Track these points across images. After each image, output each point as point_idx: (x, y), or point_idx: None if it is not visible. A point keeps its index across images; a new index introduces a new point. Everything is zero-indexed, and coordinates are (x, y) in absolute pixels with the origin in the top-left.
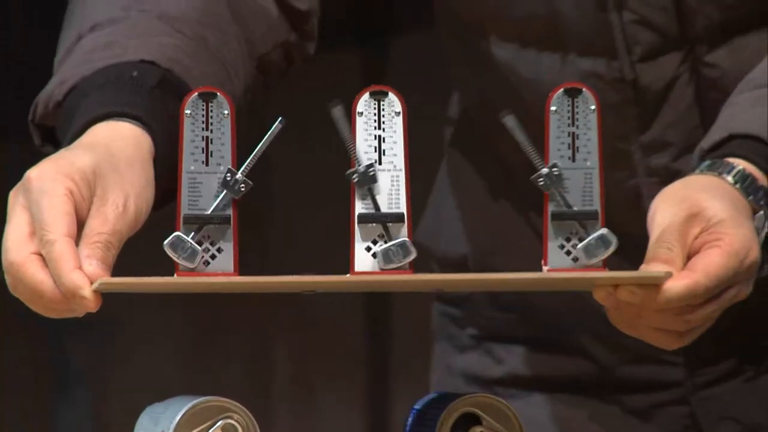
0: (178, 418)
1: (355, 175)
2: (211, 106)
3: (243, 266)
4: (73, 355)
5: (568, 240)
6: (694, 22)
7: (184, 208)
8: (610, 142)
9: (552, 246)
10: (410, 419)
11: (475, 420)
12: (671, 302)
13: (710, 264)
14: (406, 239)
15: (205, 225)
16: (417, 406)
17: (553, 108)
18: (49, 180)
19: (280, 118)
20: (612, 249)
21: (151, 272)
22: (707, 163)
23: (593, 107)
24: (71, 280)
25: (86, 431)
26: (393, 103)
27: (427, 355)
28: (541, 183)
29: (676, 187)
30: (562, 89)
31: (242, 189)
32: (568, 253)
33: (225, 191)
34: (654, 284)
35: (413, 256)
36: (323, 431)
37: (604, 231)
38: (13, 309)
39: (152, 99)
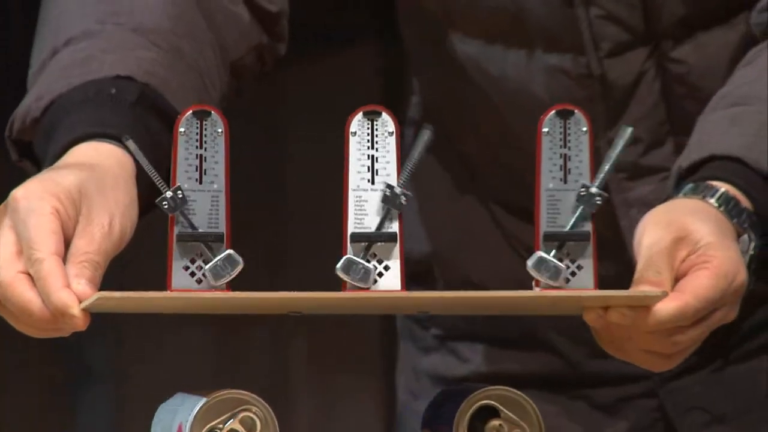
0: (196, 410)
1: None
2: (206, 125)
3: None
4: (93, 348)
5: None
6: (660, 18)
7: (178, 228)
8: None
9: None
10: (427, 412)
11: (493, 413)
12: (662, 324)
13: (699, 286)
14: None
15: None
16: (434, 399)
17: (545, 129)
18: (36, 199)
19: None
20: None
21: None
22: (690, 186)
23: (585, 129)
24: (60, 299)
25: (105, 423)
26: (386, 123)
27: None
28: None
29: (662, 210)
30: (554, 111)
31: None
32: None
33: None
34: (644, 306)
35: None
36: (341, 423)
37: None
38: None
39: (132, 117)
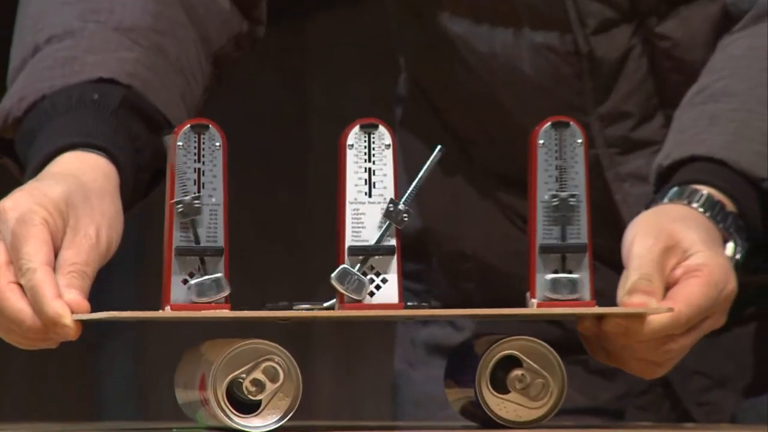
0: (219, 360)
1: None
2: (203, 138)
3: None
4: (116, 296)
5: None
6: None
7: (176, 241)
8: (568, 115)
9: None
10: (450, 363)
11: (516, 363)
12: (655, 332)
13: (690, 294)
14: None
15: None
16: (456, 349)
17: (540, 141)
18: (25, 210)
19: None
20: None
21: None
22: (675, 190)
23: (580, 140)
24: (52, 308)
25: (128, 373)
26: (383, 135)
27: None
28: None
29: (651, 217)
30: (549, 123)
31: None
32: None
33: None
34: (638, 315)
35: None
36: (362, 374)
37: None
38: None
39: (115, 123)
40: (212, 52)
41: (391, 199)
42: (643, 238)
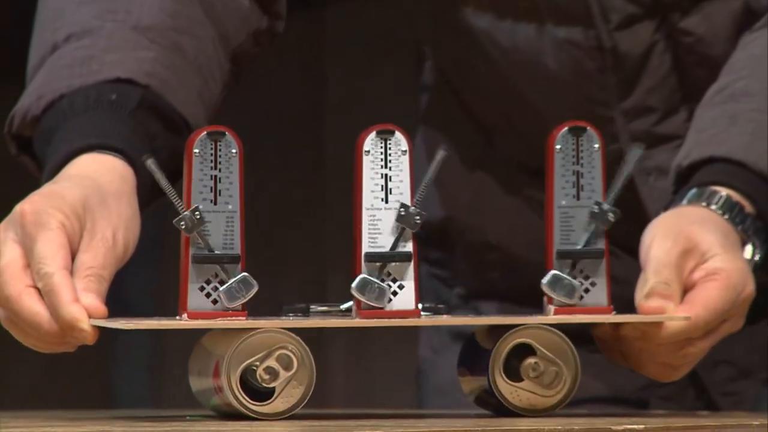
0: (232, 348)
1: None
2: (220, 146)
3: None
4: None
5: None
6: None
7: (193, 248)
8: (591, 109)
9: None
10: (464, 350)
11: (530, 350)
12: (673, 336)
13: (708, 298)
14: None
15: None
16: (470, 338)
17: (557, 146)
18: (43, 213)
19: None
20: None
21: None
22: (694, 191)
23: (597, 146)
24: (69, 312)
25: (143, 361)
26: (399, 141)
27: None
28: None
29: (669, 220)
30: (566, 128)
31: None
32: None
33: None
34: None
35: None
36: (376, 361)
37: None
38: None
39: (133, 124)
40: (231, 49)
41: (402, 203)
42: (661, 240)
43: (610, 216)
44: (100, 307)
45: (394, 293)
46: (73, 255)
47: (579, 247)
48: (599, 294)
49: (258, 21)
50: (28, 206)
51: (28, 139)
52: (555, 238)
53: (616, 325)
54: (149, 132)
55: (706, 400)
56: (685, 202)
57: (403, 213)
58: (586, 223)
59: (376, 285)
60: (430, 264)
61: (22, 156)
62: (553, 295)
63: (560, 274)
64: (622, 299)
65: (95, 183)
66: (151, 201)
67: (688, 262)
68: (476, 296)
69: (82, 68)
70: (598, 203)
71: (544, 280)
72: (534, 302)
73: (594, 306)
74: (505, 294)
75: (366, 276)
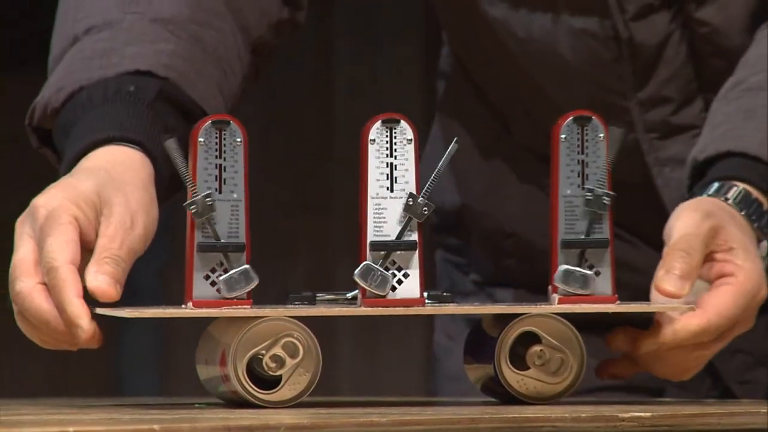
0: (238, 337)
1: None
2: (225, 135)
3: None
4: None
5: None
6: None
7: (198, 237)
8: (607, 99)
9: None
10: (469, 340)
11: (535, 339)
12: (685, 340)
13: (722, 304)
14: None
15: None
16: (475, 327)
17: (562, 136)
18: (55, 207)
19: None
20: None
21: None
22: (715, 186)
23: (602, 135)
24: (71, 309)
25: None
26: (405, 130)
27: None
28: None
29: (696, 202)
30: (571, 117)
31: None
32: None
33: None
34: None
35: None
36: (384, 351)
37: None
38: None
39: (151, 116)
40: (251, 41)
41: (411, 193)
42: (690, 214)
43: (605, 200)
44: (108, 290)
45: (399, 282)
46: (92, 245)
47: (583, 237)
48: (604, 283)
49: (279, 12)
50: (42, 199)
51: (49, 131)
52: (560, 227)
53: (633, 341)
54: (167, 124)
55: (722, 388)
56: (705, 195)
57: (410, 203)
58: (588, 212)
59: (379, 273)
60: (445, 250)
61: (42, 148)
62: (568, 289)
63: (570, 267)
64: (642, 289)
65: (110, 173)
66: (169, 195)
67: (716, 239)
68: (491, 283)
69: (102, 60)
70: (590, 189)
71: (556, 276)
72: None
73: (599, 295)
74: (520, 281)
75: (369, 263)
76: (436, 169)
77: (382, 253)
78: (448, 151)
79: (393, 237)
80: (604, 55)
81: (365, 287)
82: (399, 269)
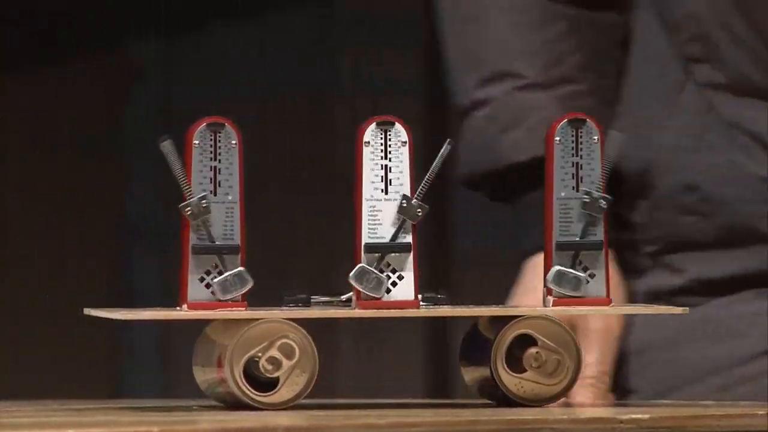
0: (234, 340)
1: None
2: (219, 137)
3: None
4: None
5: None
6: None
7: (192, 239)
8: None
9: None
10: (464, 344)
11: (531, 341)
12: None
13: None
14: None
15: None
16: (470, 330)
17: (557, 138)
18: None
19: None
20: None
21: None
22: None
23: (596, 138)
24: None
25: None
26: (399, 133)
27: (487, 276)
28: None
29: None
30: (565, 120)
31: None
32: None
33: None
34: None
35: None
36: (383, 352)
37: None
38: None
39: None
40: None
41: (404, 194)
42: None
43: (602, 203)
44: None
45: (394, 284)
46: None
47: (578, 239)
48: (598, 285)
49: None
50: None
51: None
52: (554, 229)
53: None
54: None
55: None
56: None
57: (404, 205)
58: (584, 215)
59: (374, 275)
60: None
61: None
62: (560, 291)
63: (563, 269)
64: None
65: None
66: None
67: None
68: (667, 251)
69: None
70: (587, 192)
71: (548, 277)
72: (731, 244)
73: (593, 297)
74: (698, 242)
75: (364, 265)
76: (429, 171)
77: (377, 255)
78: (442, 151)
79: (388, 239)
80: None
81: (360, 289)
82: (393, 271)
